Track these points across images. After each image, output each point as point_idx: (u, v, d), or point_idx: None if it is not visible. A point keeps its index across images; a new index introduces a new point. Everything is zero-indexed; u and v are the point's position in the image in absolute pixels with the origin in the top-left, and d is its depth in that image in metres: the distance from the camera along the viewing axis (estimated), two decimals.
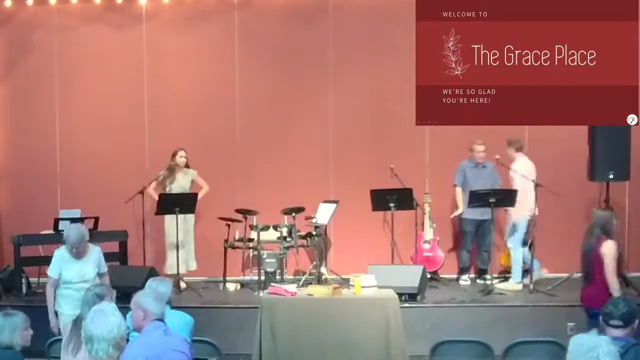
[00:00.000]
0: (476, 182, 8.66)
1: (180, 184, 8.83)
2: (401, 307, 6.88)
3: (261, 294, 7.42)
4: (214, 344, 5.52)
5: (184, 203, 8.51)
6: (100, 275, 6.29)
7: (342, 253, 9.39)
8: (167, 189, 8.83)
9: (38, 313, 6.11)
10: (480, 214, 8.58)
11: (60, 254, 6.23)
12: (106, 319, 3.46)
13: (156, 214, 8.63)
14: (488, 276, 8.47)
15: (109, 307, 3.62)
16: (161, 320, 4.08)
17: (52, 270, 6.23)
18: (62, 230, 8.64)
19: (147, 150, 9.24)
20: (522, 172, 8.30)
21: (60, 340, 5.67)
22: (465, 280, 8.89)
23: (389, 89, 9.44)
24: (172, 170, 8.87)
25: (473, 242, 8.96)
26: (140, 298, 4.13)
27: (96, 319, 3.45)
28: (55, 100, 9.82)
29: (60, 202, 9.68)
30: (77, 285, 6.08)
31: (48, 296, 6.23)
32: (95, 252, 6.30)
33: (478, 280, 8.87)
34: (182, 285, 8.41)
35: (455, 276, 9.15)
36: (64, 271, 6.16)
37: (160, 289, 4.99)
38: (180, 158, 8.89)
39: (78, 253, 6.16)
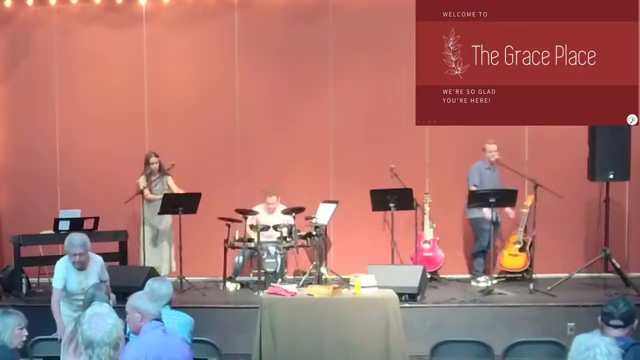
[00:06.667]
0: (490, 184, 8.58)
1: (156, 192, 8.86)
2: (401, 307, 6.88)
3: (261, 294, 7.42)
4: (214, 344, 5.52)
5: (188, 203, 8.52)
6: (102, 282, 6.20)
7: (342, 253, 9.39)
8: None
9: (38, 313, 6.11)
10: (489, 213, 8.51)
11: (64, 264, 6.07)
12: (104, 322, 3.37)
13: (159, 213, 8.64)
14: (488, 276, 8.47)
15: (104, 309, 3.55)
16: (158, 320, 4.08)
17: (56, 281, 6.06)
18: (62, 231, 8.70)
19: (147, 150, 9.22)
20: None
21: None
22: (485, 281, 8.50)
23: (389, 89, 9.43)
24: (148, 177, 8.88)
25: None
26: (135, 300, 4.11)
27: (94, 324, 3.35)
28: (55, 100, 9.82)
29: (60, 202, 9.68)
30: (78, 296, 5.94)
31: (54, 309, 6.01)
32: (97, 265, 6.15)
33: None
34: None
35: (455, 276, 9.16)
36: (66, 282, 6.02)
37: (161, 289, 5.01)
38: (153, 164, 8.88)
39: (80, 263, 5.99)
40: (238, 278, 8.91)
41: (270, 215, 8.88)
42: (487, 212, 8.43)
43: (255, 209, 8.94)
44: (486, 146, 8.73)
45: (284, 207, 8.73)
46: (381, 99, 9.52)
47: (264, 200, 8.97)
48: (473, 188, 8.63)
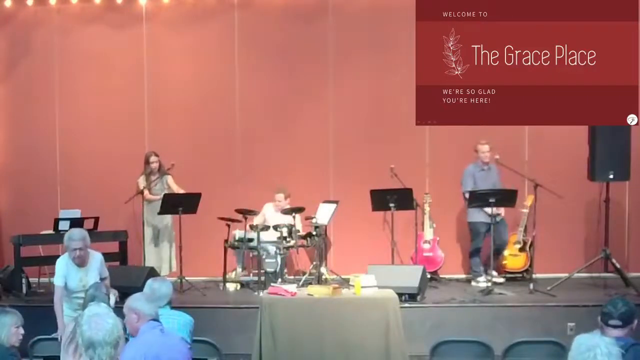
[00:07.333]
0: (484, 186, 8.56)
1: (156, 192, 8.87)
2: (401, 307, 6.88)
3: (261, 294, 7.42)
4: (214, 344, 5.52)
5: (188, 203, 8.52)
6: (101, 280, 6.19)
7: (342, 253, 9.38)
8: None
9: (38, 313, 6.11)
10: (486, 215, 8.51)
11: (64, 262, 6.04)
12: (104, 321, 3.35)
13: (159, 213, 8.64)
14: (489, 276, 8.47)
15: (102, 309, 3.55)
16: (156, 320, 4.08)
17: (57, 279, 6.02)
18: (62, 231, 8.69)
19: (147, 150, 9.22)
20: None
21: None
22: (485, 281, 8.51)
23: (389, 89, 9.43)
24: (147, 177, 8.88)
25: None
26: (132, 301, 4.13)
27: (94, 324, 3.33)
28: (55, 100, 9.82)
29: (61, 202, 9.68)
30: (78, 293, 5.94)
31: (56, 308, 5.98)
32: (97, 261, 6.13)
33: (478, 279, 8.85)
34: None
35: (455, 276, 9.16)
36: (67, 280, 5.99)
37: (161, 289, 5.01)
38: (153, 164, 8.87)
39: (80, 258, 5.98)
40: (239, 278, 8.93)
41: (278, 214, 8.88)
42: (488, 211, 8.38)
43: (265, 207, 8.97)
44: (478, 147, 8.71)
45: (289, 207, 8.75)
46: (381, 99, 9.52)
47: (273, 199, 8.99)
48: (467, 193, 8.56)
